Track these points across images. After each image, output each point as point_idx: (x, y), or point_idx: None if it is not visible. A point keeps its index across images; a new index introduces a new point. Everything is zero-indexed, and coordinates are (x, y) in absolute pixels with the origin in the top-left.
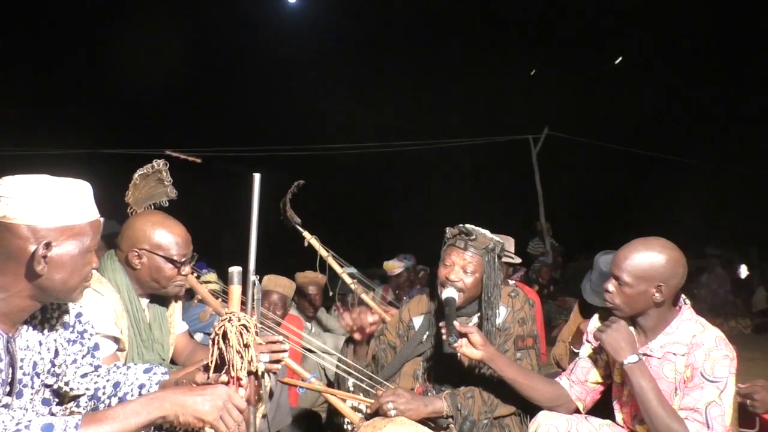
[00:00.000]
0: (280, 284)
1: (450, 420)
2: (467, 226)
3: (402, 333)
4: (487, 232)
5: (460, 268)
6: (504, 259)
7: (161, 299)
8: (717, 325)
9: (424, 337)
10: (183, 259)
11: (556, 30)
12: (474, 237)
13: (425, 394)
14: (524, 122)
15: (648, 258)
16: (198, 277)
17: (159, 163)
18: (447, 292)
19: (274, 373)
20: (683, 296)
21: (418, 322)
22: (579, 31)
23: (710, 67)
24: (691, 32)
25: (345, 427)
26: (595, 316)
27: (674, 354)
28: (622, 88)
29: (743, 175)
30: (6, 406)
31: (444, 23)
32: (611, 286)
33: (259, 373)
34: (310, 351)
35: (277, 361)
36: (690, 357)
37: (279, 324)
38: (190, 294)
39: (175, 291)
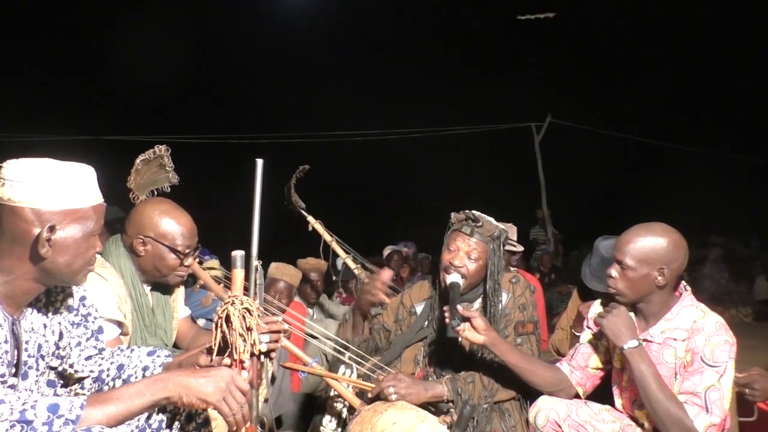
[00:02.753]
0: (287, 273)
1: (450, 404)
2: (474, 212)
3: (401, 318)
4: (492, 220)
5: (465, 254)
6: (506, 247)
7: (164, 285)
8: (718, 314)
9: (425, 322)
10: (187, 251)
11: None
12: (480, 224)
13: (426, 378)
14: (527, 110)
15: (650, 241)
16: (200, 263)
17: (161, 149)
18: (451, 277)
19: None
20: (684, 283)
21: (419, 307)
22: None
23: (715, 56)
24: (700, 20)
25: (344, 411)
26: (597, 302)
27: (675, 339)
28: (626, 76)
29: (747, 164)
30: (12, 387)
31: (447, 12)
32: (614, 271)
33: (261, 354)
34: (313, 337)
35: (277, 341)
36: (690, 342)
37: (284, 311)
38: (192, 279)
39: (176, 281)
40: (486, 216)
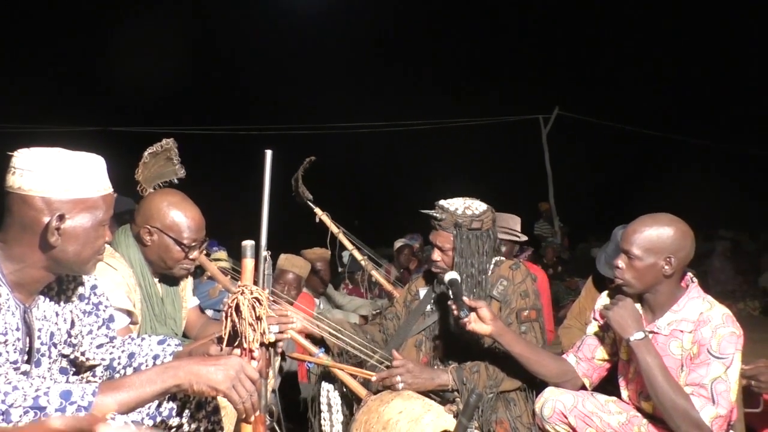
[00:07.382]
0: (297, 265)
1: (455, 393)
2: (440, 203)
3: (408, 303)
4: (461, 206)
5: (438, 248)
6: (508, 237)
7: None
8: (725, 307)
9: (428, 308)
10: (192, 244)
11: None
12: (440, 218)
13: (430, 364)
14: (534, 102)
15: (656, 231)
16: (208, 255)
17: (168, 142)
18: (449, 275)
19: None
20: (690, 274)
21: (423, 292)
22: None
23: (727, 47)
24: (710, 13)
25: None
26: (604, 294)
27: (681, 331)
28: (634, 69)
29: (757, 157)
30: (25, 374)
31: (454, 4)
32: (621, 262)
33: (270, 343)
34: (327, 330)
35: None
36: (697, 334)
37: (291, 303)
38: (200, 270)
39: (180, 273)
40: (455, 202)
